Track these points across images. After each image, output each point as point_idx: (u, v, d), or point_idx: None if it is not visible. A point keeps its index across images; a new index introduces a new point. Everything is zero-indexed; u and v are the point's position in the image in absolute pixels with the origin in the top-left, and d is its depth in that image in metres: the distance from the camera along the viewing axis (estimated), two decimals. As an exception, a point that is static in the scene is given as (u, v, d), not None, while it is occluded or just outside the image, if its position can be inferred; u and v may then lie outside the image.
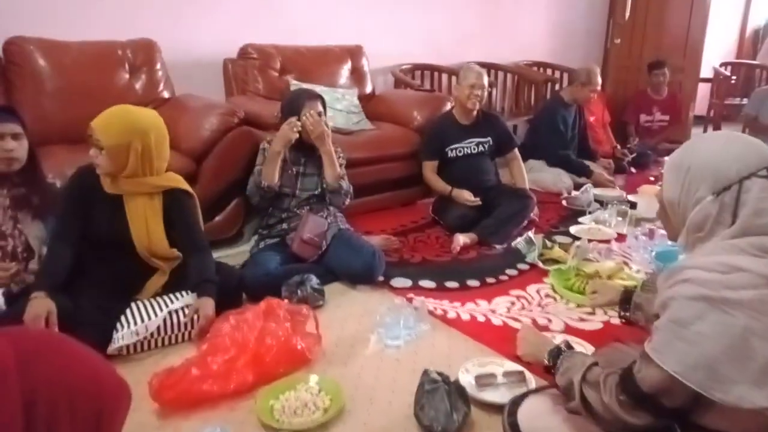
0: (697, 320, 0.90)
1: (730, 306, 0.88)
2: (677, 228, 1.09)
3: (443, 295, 2.15)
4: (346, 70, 3.40)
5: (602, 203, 3.26)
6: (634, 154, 4.31)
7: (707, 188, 0.99)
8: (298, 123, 2.21)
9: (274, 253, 2.18)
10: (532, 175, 3.73)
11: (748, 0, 7.20)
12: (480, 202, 2.83)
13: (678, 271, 0.98)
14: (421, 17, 4.12)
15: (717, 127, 5.95)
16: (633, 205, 3.12)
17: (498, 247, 2.64)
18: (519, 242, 2.52)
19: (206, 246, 1.92)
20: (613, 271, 2.18)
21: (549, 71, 4.88)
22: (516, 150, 3.14)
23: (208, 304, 1.75)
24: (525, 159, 3.81)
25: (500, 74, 4.59)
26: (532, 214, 2.96)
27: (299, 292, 1.91)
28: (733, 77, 6.33)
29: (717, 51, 6.88)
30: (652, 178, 3.95)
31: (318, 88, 3.06)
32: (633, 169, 4.23)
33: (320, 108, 2.36)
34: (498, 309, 2.05)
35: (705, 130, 6.05)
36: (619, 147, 4.40)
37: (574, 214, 3.18)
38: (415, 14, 4.09)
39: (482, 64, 4.46)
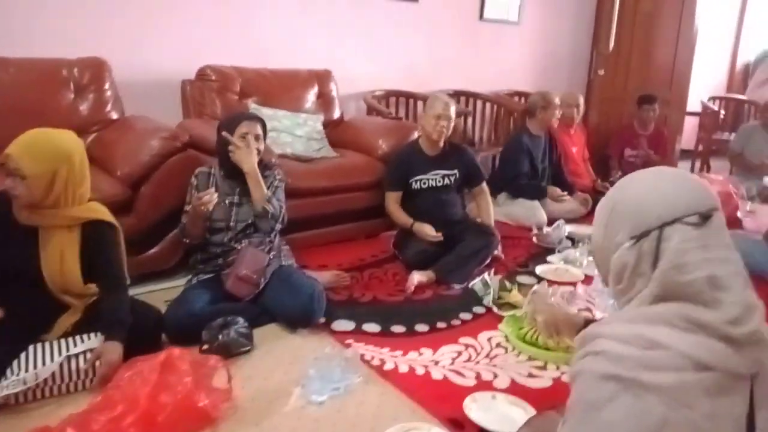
0: (608, 404, 0.75)
1: (645, 390, 0.74)
2: (605, 277, 0.95)
3: (386, 342, 1.99)
4: (312, 94, 3.28)
5: (574, 241, 3.12)
6: None
7: (626, 233, 0.85)
8: (210, 198, 2.01)
9: (204, 290, 2.02)
10: (505, 208, 3.62)
11: (737, 34, 7.18)
12: (441, 238, 2.68)
13: (591, 338, 0.83)
14: (397, 42, 4.03)
15: (705, 162, 5.85)
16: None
17: (456, 286, 2.48)
18: (476, 283, 2.36)
19: (123, 283, 1.76)
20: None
21: (531, 101, 4.79)
22: (484, 184, 3.00)
23: (114, 349, 1.59)
24: (498, 192, 3.72)
25: (479, 103, 4.49)
26: (496, 252, 2.82)
27: (221, 336, 1.75)
28: (722, 112, 6.26)
29: (707, 85, 6.83)
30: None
31: (280, 113, 2.97)
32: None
33: (258, 131, 2.22)
34: (442, 360, 1.88)
35: (692, 165, 5.95)
36: (599, 181, 4.27)
37: (545, 252, 3.03)
38: (391, 39, 3.99)
39: (460, 92, 4.42)
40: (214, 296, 2.01)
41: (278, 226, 2.24)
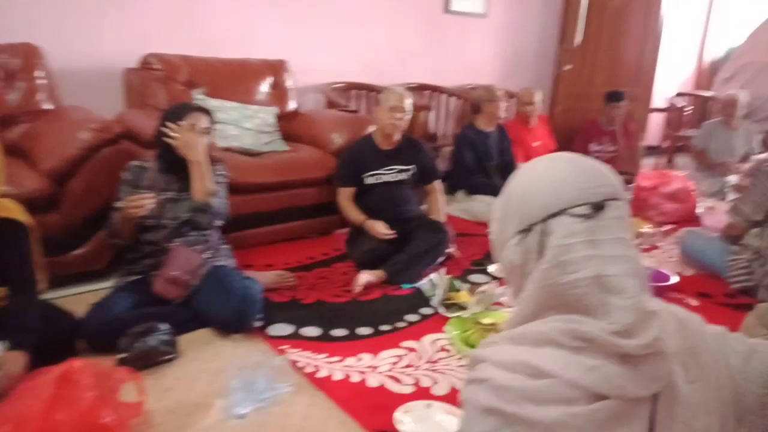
0: None
1: (529, 427, 0.64)
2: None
3: (325, 347, 1.89)
4: (265, 86, 3.15)
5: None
6: None
7: (513, 228, 0.75)
8: (143, 203, 1.85)
9: (129, 293, 1.89)
10: (464, 204, 3.55)
11: (705, 31, 7.22)
12: (395, 235, 2.59)
13: (476, 362, 0.74)
14: (359, 33, 3.91)
15: (670, 159, 5.87)
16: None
17: (404, 287, 2.39)
18: (424, 283, 2.28)
19: (32, 287, 1.63)
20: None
21: (497, 95, 4.72)
22: (437, 182, 2.92)
23: (16, 359, 1.46)
24: (457, 189, 3.64)
25: (443, 97, 4.41)
26: (450, 250, 2.74)
27: (139, 344, 1.63)
28: (689, 108, 6.28)
29: (674, 81, 6.86)
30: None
31: (227, 105, 2.84)
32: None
33: (206, 123, 2.10)
34: (381, 365, 1.79)
35: (657, 162, 5.97)
36: None
37: (503, 250, 2.96)
38: (353, 30, 3.87)
39: (424, 86, 4.33)
40: (140, 299, 1.88)
41: (217, 224, 2.12)
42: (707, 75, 7.23)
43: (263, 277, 2.26)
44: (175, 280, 1.91)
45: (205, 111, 2.14)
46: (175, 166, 2.03)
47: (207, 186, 2.01)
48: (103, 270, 2.26)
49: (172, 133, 1.98)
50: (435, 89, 4.37)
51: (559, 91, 4.87)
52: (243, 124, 2.79)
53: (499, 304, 2.23)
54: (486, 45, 4.68)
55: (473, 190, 3.56)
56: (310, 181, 2.82)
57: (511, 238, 0.75)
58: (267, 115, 2.94)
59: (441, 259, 2.62)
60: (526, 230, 0.72)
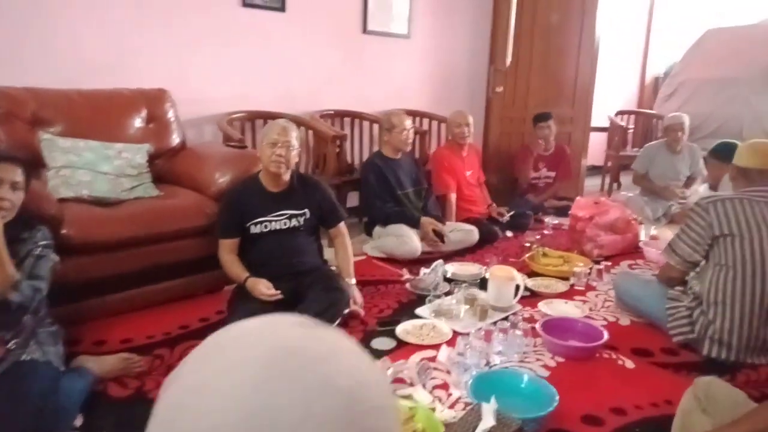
0: None
1: None
2: None
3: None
4: (138, 120, 2.70)
5: (453, 283, 2.68)
6: (512, 212, 3.84)
7: None
8: None
9: None
10: (379, 241, 3.19)
11: (645, 49, 7.15)
12: (281, 296, 2.17)
13: None
14: (263, 57, 3.52)
15: (615, 179, 5.65)
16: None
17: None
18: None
19: None
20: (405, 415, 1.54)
21: (426, 121, 4.40)
22: (341, 225, 2.53)
23: None
24: (373, 224, 3.28)
25: (365, 124, 4.05)
26: (353, 308, 2.33)
27: None
28: (631, 127, 6.12)
29: (618, 100, 6.72)
30: (527, 244, 3.43)
31: (81, 144, 2.39)
32: (509, 233, 3.72)
33: (15, 177, 1.65)
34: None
35: (602, 182, 5.75)
36: (494, 205, 3.90)
37: (418, 300, 2.57)
38: (256, 53, 3.48)
39: (344, 113, 3.95)
40: None
41: (27, 318, 1.65)
42: (650, 92, 7.14)
43: (100, 365, 1.80)
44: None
45: (14, 160, 1.70)
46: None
47: (6, 275, 1.55)
48: None
49: None
50: (356, 115, 4.00)
51: (492, 114, 4.57)
52: (99, 168, 2.34)
53: (400, 380, 1.83)
54: (411, 67, 4.35)
55: (387, 220, 3.20)
56: (185, 232, 2.37)
57: None
58: (134, 155, 2.50)
59: (336, 322, 2.20)
60: None
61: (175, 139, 2.82)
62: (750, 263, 1.99)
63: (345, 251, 2.50)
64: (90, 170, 2.31)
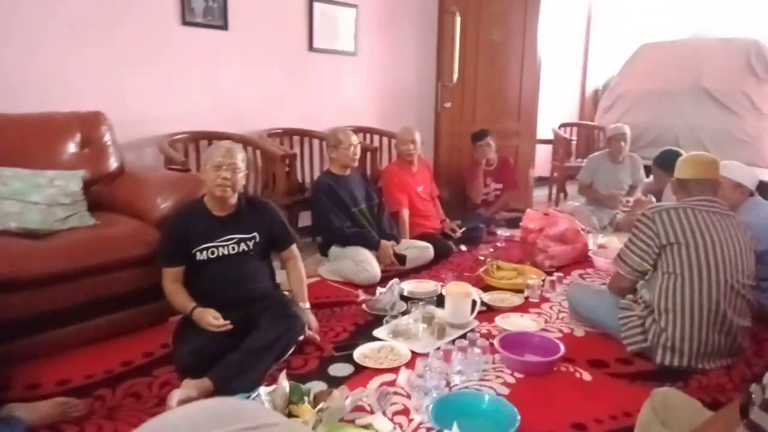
0: None
1: None
2: None
3: None
4: (72, 144, 2.55)
5: (410, 302, 2.64)
6: (463, 228, 3.85)
7: None
8: None
9: None
10: (335, 264, 3.12)
11: (584, 62, 7.42)
12: (230, 326, 2.06)
13: None
14: (206, 77, 3.42)
15: (562, 189, 5.80)
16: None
17: (240, 397, 1.86)
18: (256, 394, 1.75)
19: None
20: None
21: (376, 137, 4.38)
22: (293, 247, 2.45)
23: None
24: (329, 245, 3.22)
25: (315, 142, 3.99)
26: (308, 333, 2.25)
27: None
28: (574, 138, 6.31)
29: (561, 112, 6.92)
30: (481, 258, 3.44)
31: (8, 173, 2.23)
32: (463, 247, 3.73)
33: None
34: None
35: (549, 192, 5.89)
36: (447, 221, 3.91)
37: (375, 321, 2.52)
38: (199, 73, 3.37)
39: (292, 131, 3.88)
40: None
41: None
42: (590, 105, 7.41)
43: (32, 412, 1.65)
44: None
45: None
46: None
47: None
48: None
49: None
50: (305, 134, 3.94)
51: (441, 129, 4.61)
52: (29, 197, 2.18)
53: (360, 408, 1.77)
54: (359, 84, 4.33)
55: (345, 241, 3.14)
56: (125, 262, 2.24)
57: None
58: (68, 182, 2.35)
59: (290, 352, 2.11)
60: None
61: (113, 164, 2.68)
62: (696, 270, 2.04)
63: (298, 274, 2.42)
64: (19, 200, 2.15)
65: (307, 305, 2.38)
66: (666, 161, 2.99)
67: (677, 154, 2.59)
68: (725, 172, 2.41)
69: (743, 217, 2.26)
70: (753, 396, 1.21)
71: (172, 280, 2.20)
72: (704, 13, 6.96)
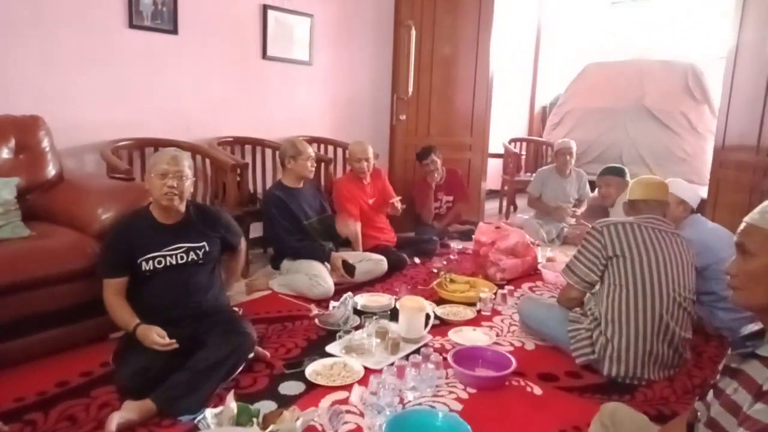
0: None
1: None
2: None
3: None
4: (5, 150, 2.41)
5: (362, 315, 2.61)
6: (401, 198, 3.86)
7: None
8: None
9: None
10: (285, 278, 3.06)
11: (534, 81, 7.64)
12: (176, 345, 1.97)
13: None
14: (154, 82, 3.30)
15: (511, 202, 5.92)
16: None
17: (183, 419, 1.77)
18: (202, 416, 1.68)
19: None
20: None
21: (331, 148, 4.34)
22: (241, 245, 2.48)
23: None
24: (281, 259, 3.16)
25: (268, 151, 3.91)
26: (259, 350, 2.19)
27: None
28: (524, 153, 6.47)
29: (511, 128, 7.10)
30: (435, 270, 3.46)
31: (-68, 180, 2.04)
32: (417, 259, 3.73)
33: None
34: None
35: (500, 205, 6.00)
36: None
37: (329, 336, 2.47)
38: (146, 78, 3.25)
39: (243, 140, 3.79)
40: None
41: None
42: (539, 121, 7.63)
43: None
44: None
45: None
46: None
47: None
48: None
49: None
50: (257, 143, 3.86)
51: (396, 141, 4.62)
52: (-45, 207, 2.02)
53: (311, 429, 1.72)
54: (314, 94, 4.29)
55: (295, 254, 3.09)
56: (62, 276, 2.11)
57: None
58: (1, 190, 2.20)
59: (238, 371, 2.03)
60: None
61: (51, 171, 2.54)
62: (641, 283, 2.12)
63: (236, 266, 2.52)
64: (-57, 209, 1.99)
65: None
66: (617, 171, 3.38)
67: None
68: (670, 188, 2.51)
69: (684, 233, 2.36)
70: (699, 414, 1.25)
71: (113, 293, 2.08)
72: (647, 35, 7.32)
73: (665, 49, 6.77)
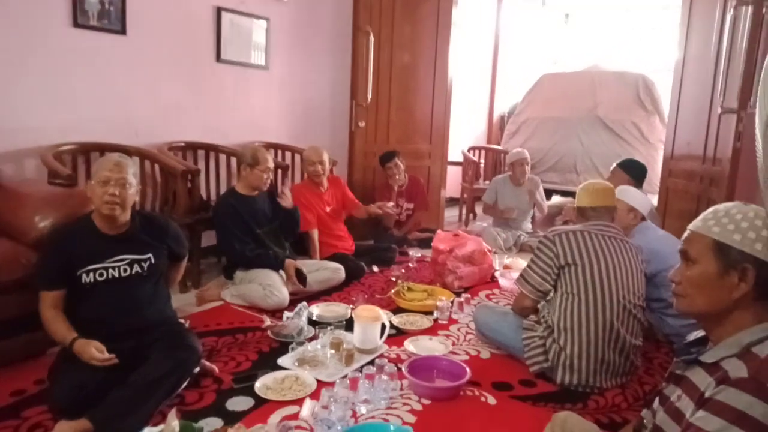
0: None
1: None
2: None
3: None
4: (-68, 154, 2.25)
5: (317, 326, 2.54)
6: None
7: None
8: None
9: None
10: (238, 288, 2.97)
11: (492, 90, 7.75)
12: (115, 360, 1.86)
13: None
14: (100, 84, 3.16)
15: (471, 209, 5.96)
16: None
17: (124, 440, 1.67)
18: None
19: None
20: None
21: (288, 154, 4.27)
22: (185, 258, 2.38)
23: None
24: (234, 269, 3.07)
25: (222, 157, 3.81)
26: (205, 364, 2.10)
27: None
28: (483, 161, 6.53)
29: (471, 136, 7.18)
30: (393, 279, 3.43)
31: None
32: (375, 268, 3.69)
33: None
34: None
35: (460, 212, 6.03)
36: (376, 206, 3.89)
37: (282, 348, 2.40)
38: (90, 80, 3.11)
39: (195, 145, 3.67)
40: None
41: None
42: (497, 130, 7.73)
43: None
44: None
45: None
46: None
47: None
48: None
49: None
50: (210, 148, 3.76)
51: (355, 148, 4.59)
52: None
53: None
54: (270, 99, 4.22)
55: (248, 264, 3.00)
56: (-7, 288, 1.98)
57: None
58: (-75, 197, 2.05)
59: (182, 387, 1.94)
60: None
61: (-15, 176, 2.38)
62: (591, 290, 2.13)
63: (176, 274, 2.45)
64: None
65: None
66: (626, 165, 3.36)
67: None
68: (621, 196, 2.56)
69: (634, 240, 2.40)
70: (645, 421, 1.25)
71: (50, 306, 1.96)
72: (600, 47, 7.54)
73: (618, 61, 6.98)
